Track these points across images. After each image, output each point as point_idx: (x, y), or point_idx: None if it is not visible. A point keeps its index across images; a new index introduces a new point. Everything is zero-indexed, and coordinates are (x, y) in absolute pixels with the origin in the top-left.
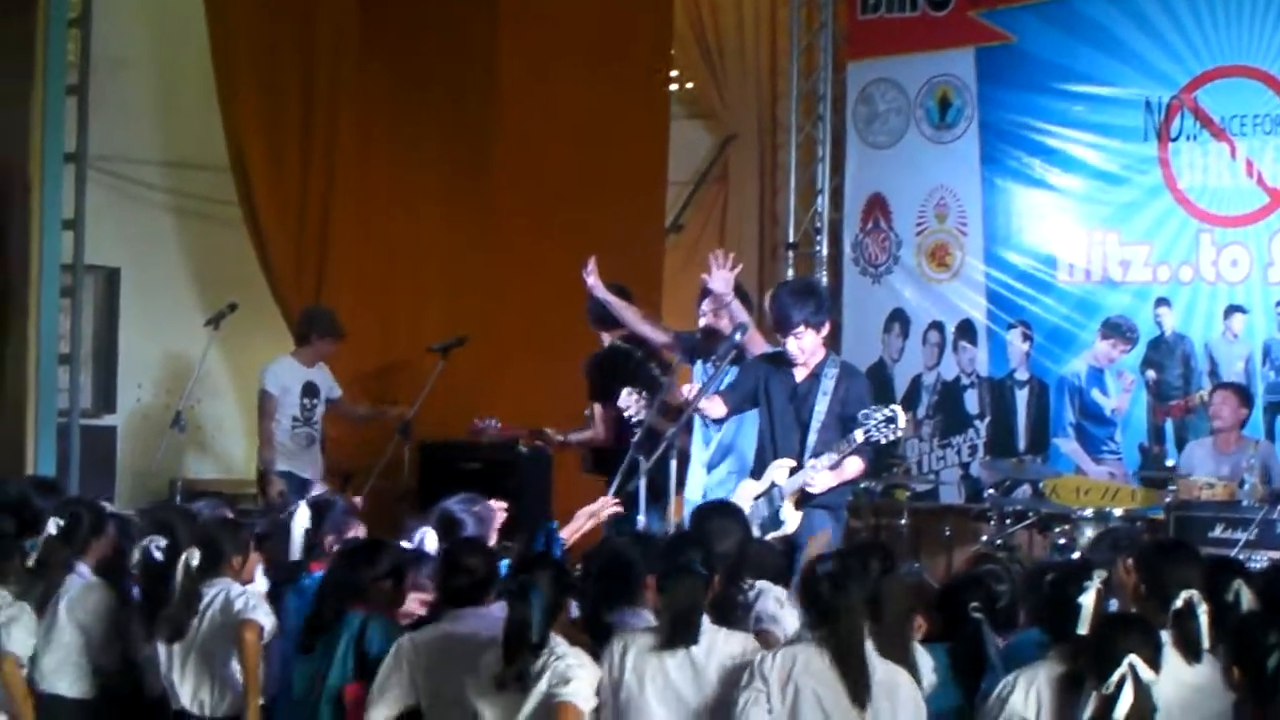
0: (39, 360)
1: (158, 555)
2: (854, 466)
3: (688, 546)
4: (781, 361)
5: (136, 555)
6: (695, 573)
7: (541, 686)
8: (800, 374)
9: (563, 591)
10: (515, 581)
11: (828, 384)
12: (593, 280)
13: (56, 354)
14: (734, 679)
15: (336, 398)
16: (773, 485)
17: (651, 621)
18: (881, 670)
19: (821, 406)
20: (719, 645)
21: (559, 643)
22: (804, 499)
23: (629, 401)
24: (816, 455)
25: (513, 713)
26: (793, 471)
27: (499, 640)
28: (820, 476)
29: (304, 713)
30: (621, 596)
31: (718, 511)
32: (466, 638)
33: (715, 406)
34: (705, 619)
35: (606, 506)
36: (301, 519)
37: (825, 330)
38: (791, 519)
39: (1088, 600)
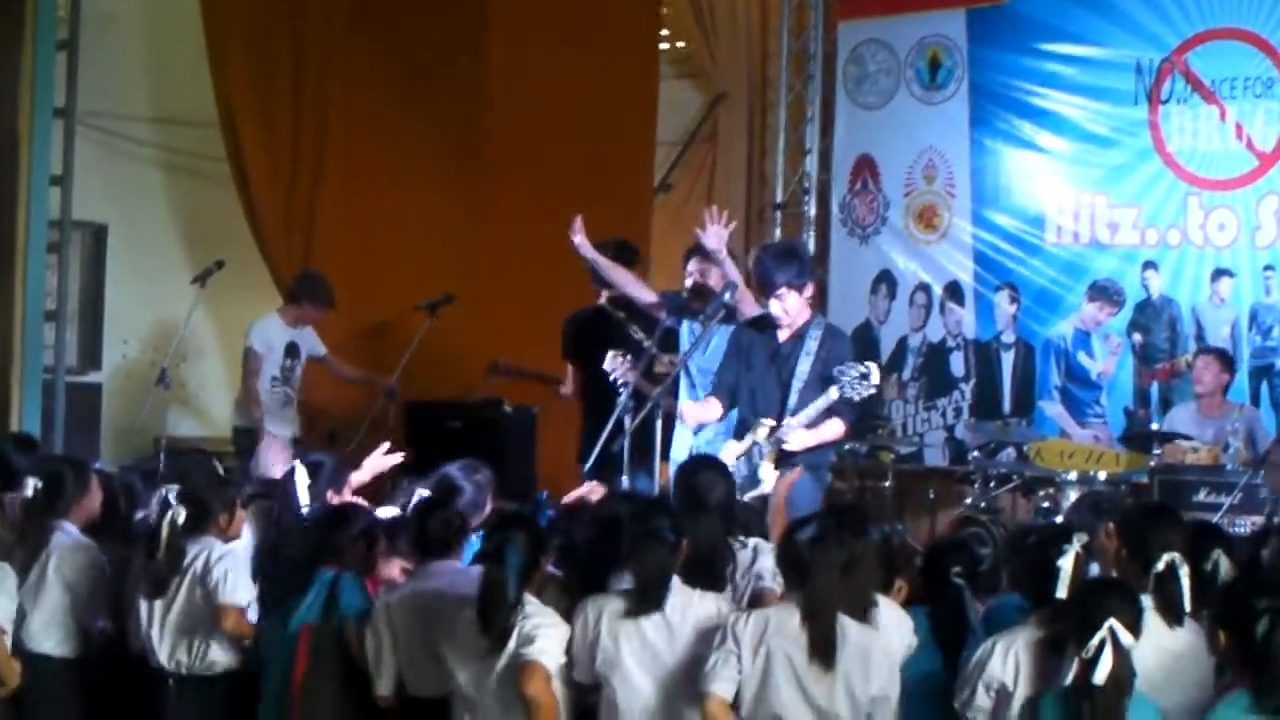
0: (25, 316)
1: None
2: (834, 428)
3: (656, 513)
4: (765, 324)
5: (154, 503)
6: (663, 538)
7: (510, 645)
8: (784, 335)
9: (538, 552)
10: (491, 542)
11: (811, 344)
12: (579, 239)
13: (43, 310)
14: (707, 640)
15: (320, 355)
16: (753, 444)
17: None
18: (855, 632)
19: (804, 367)
20: (693, 606)
21: (530, 601)
22: (784, 458)
23: (613, 364)
24: (795, 414)
25: (487, 673)
26: (773, 431)
27: (471, 598)
28: (796, 434)
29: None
30: (612, 560)
31: (703, 466)
32: (438, 594)
33: (712, 409)
34: (676, 581)
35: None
36: (302, 478)
37: (808, 292)
38: (769, 478)
39: (1066, 564)
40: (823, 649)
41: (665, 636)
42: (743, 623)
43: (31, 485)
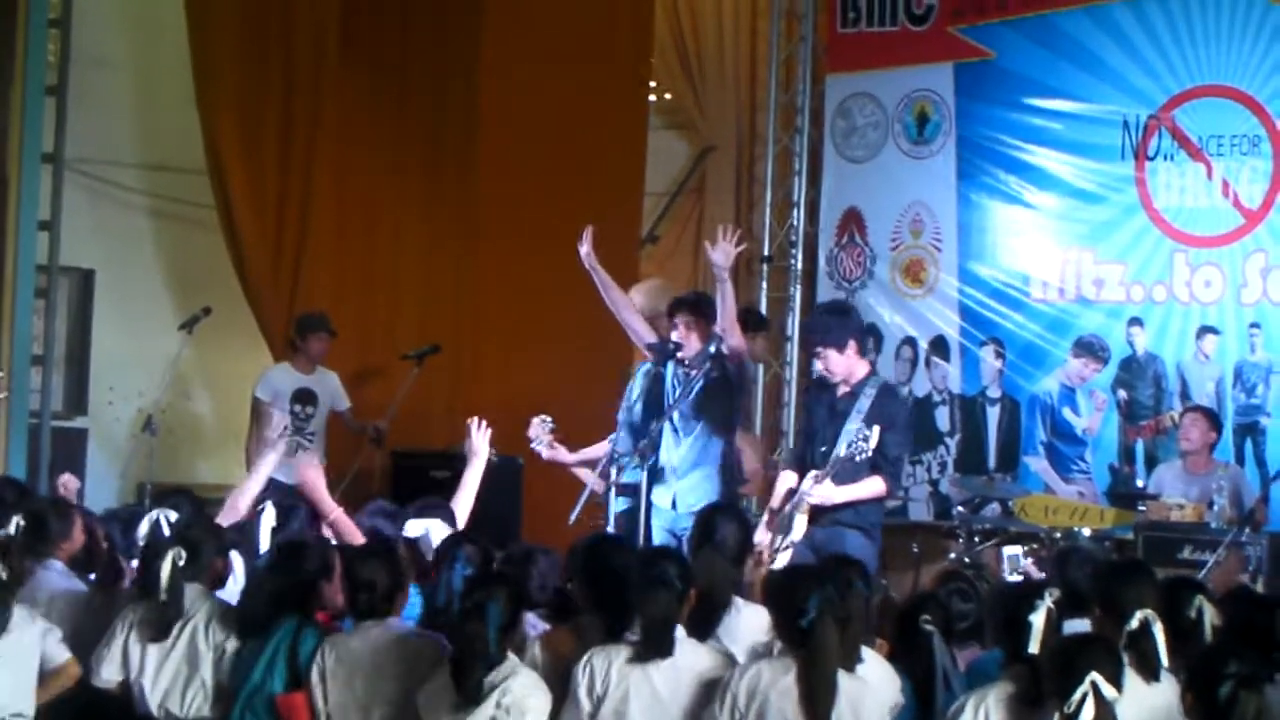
0: (12, 361)
1: (165, 530)
2: (873, 485)
3: (663, 559)
4: (827, 380)
5: (144, 527)
6: (669, 585)
7: (489, 709)
8: (841, 391)
9: (518, 608)
10: (470, 599)
11: (864, 402)
12: (585, 250)
13: (30, 355)
14: (706, 694)
15: (343, 409)
16: (800, 495)
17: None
18: (846, 685)
19: (852, 425)
20: (690, 659)
21: (512, 662)
22: (823, 514)
23: (538, 431)
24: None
25: None
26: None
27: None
28: (819, 489)
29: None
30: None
31: (721, 512)
32: (376, 648)
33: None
34: (680, 631)
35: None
36: (268, 519)
37: (850, 348)
38: (799, 528)
39: (1037, 619)
40: (819, 709)
41: (672, 686)
42: (738, 677)
43: (15, 523)
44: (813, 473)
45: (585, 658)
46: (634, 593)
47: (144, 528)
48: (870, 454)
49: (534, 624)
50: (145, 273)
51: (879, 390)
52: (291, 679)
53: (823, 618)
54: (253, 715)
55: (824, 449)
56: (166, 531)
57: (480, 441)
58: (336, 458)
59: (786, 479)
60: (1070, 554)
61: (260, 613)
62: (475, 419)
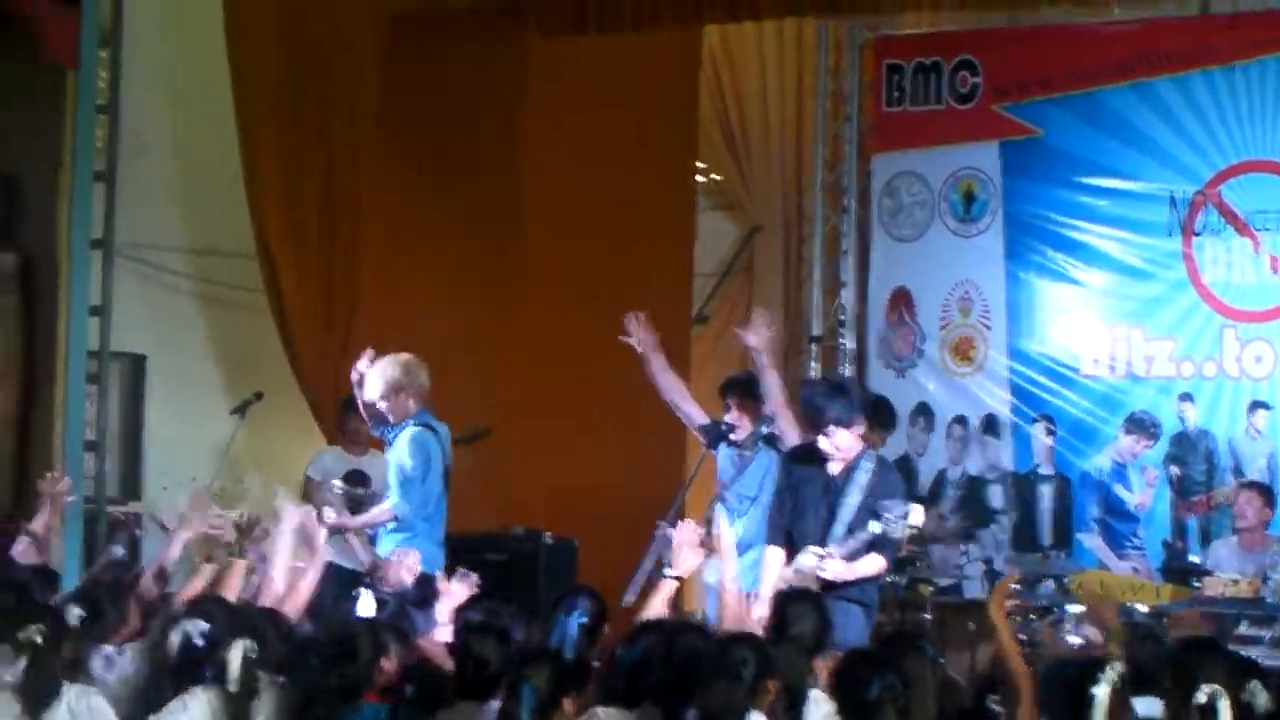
0: (65, 446)
1: (199, 642)
2: (874, 563)
3: (740, 646)
4: (815, 454)
5: (176, 639)
6: (738, 678)
7: None
8: (836, 467)
9: (561, 687)
10: (509, 677)
11: (862, 477)
12: (640, 335)
13: (83, 440)
14: None
15: None
16: (796, 571)
17: None
18: None
19: (853, 500)
20: None
21: None
22: (825, 589)
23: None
24: (839, 546)
25: None
26: (819, 560)
27: None
28: (833, 564)
29: None
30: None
31: (797, 599)
32: None
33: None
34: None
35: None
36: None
37: (859, 428)
38: None
39: (1101, 693)
40: None
41: None
42: None
43: (75, 614)
44: (812, 549)
45: None
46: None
47: (175, 639)
48: (911, 532)
49: None
50: (196, 357)
51: (877, 465)
52: None
53: (884, 705)
54: None
55: (817, 525)
56: (199, 643)
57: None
58: None
59: (776, 555)
60: (1135, 629)
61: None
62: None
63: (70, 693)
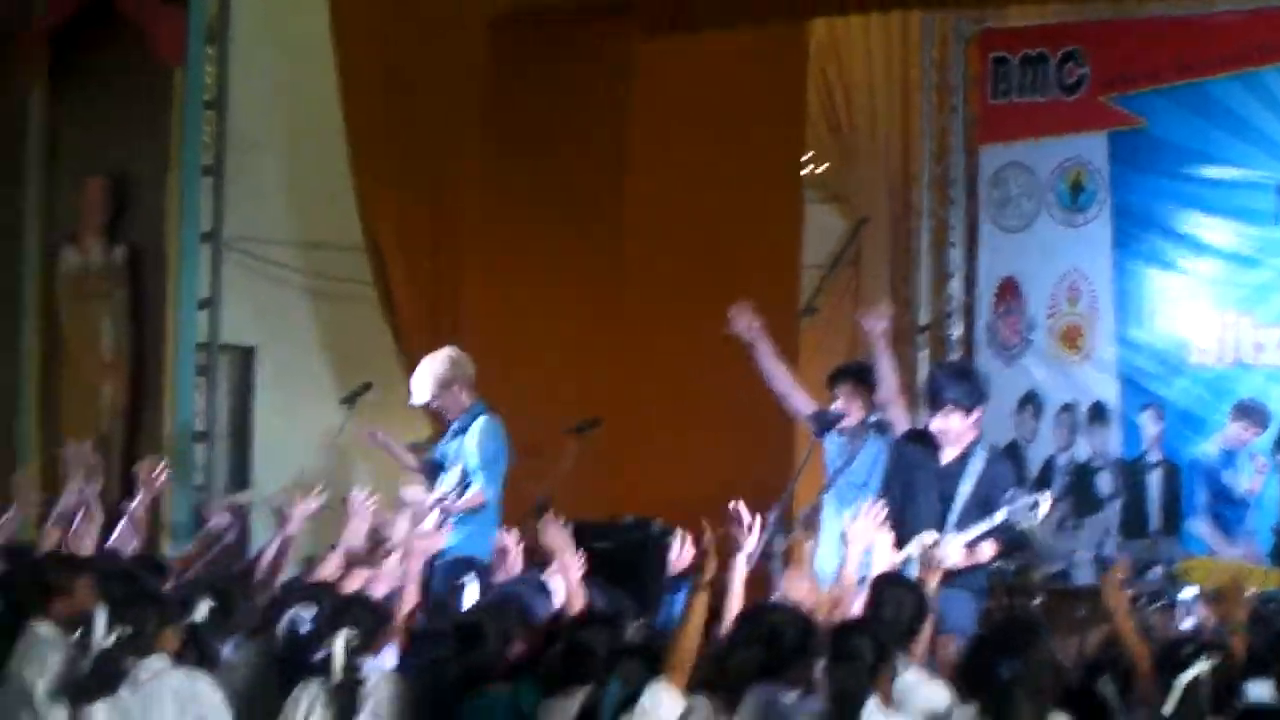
0: (174, 438)
1: (305, 628)
2: (989, 550)
3: (858, 631)
4: (927, 440)
5: (283, 625)
6: (861, 660)
7: None
8: (949, 454)
9: (643, 682)
10: (601, 666)
11: (975, 465)
12: (744, 323)
13: (192, 432)
14: None
15: None
16: (908, 558)
17: (797, 703)
18: None
19: (966, 488)
20: None
21: None
22: (944, 578)
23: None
24: (957, 533)
25: None
26: (934, 545)
27: None
28: (954, 550)
29: None
30: (777, 672)
31: (895, 581)
32: None
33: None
34: (872, 703)
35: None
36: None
37: (976, 415)
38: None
39: (1180, 682)
40: None
41: None
42: None
43: (205, 607)
44: (929, 533)
45: None
46: (827, 665)
47: (282, 624)
48: (1038, 523)
49: None
50: (305, 349)
51: (990, 454)
52: None
53: (1016, 686)
54: None
55: (929, 511)
56: (305, 629)
57: (555, 534)
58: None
59: (884, 541)
60: (1255, 613)
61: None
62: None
63: (175, 677)
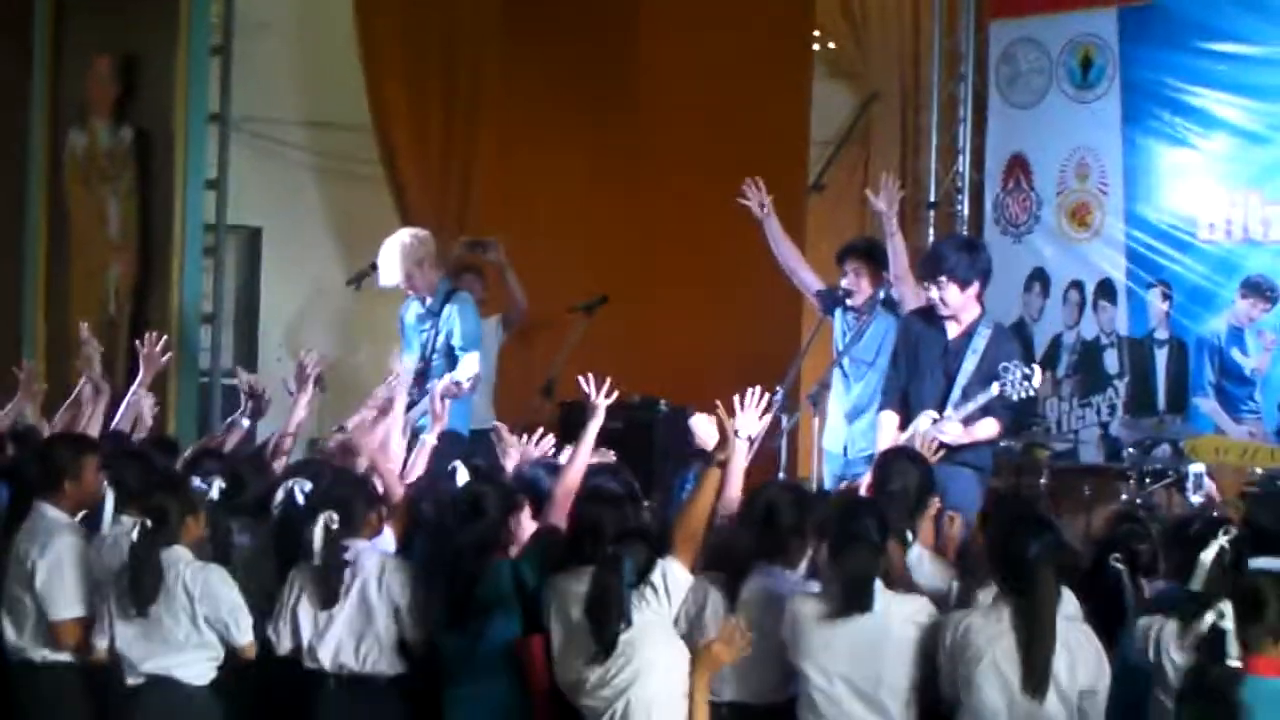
0: (181, 319)
1: (300, 499)
2: (989, 427)
3: (862, 513)
4: (934, 316)
5: (280, 496)
6: (869, 540)
7: (622, 670)
8: (953, 330)
9: (652, 561)
10: (610, 548)
11: (979, 342)
12: (758, 200)
13: (199, 313)
14: (917, 639)
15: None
16: (913, 435)
17: (798, 583)
18: (1065, 631)
19: (970, 364)
20: (894, 609)
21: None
22: (946, 454)
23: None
24: (956, 410)
25: (597, 680)
26: (933, 424)
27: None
28: (952, 428)
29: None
30: (774, 553)
31: (901, 455)
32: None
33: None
34: (879, 584)
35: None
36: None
37: (973, 289)
38: None
39: (1206, 557)
40: (1037, 658)
41: (873, 638)
42: (948, 628)
43: (216, 488)
44: (930, 412)
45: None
46: (831, 548)
47: (279, 497)
48: (1031, 394)
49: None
50: (312, 230)
51: (995, 331)
52: (526, 620)
53: (1042, 565)
54: (475, 664)
55: (934, 389)
56: (300, 501)
57: (598, 399)
58: (504, 409)
59: (889, 419)
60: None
61: (457, 562)
62: (587, 375)
63: (187, 570)
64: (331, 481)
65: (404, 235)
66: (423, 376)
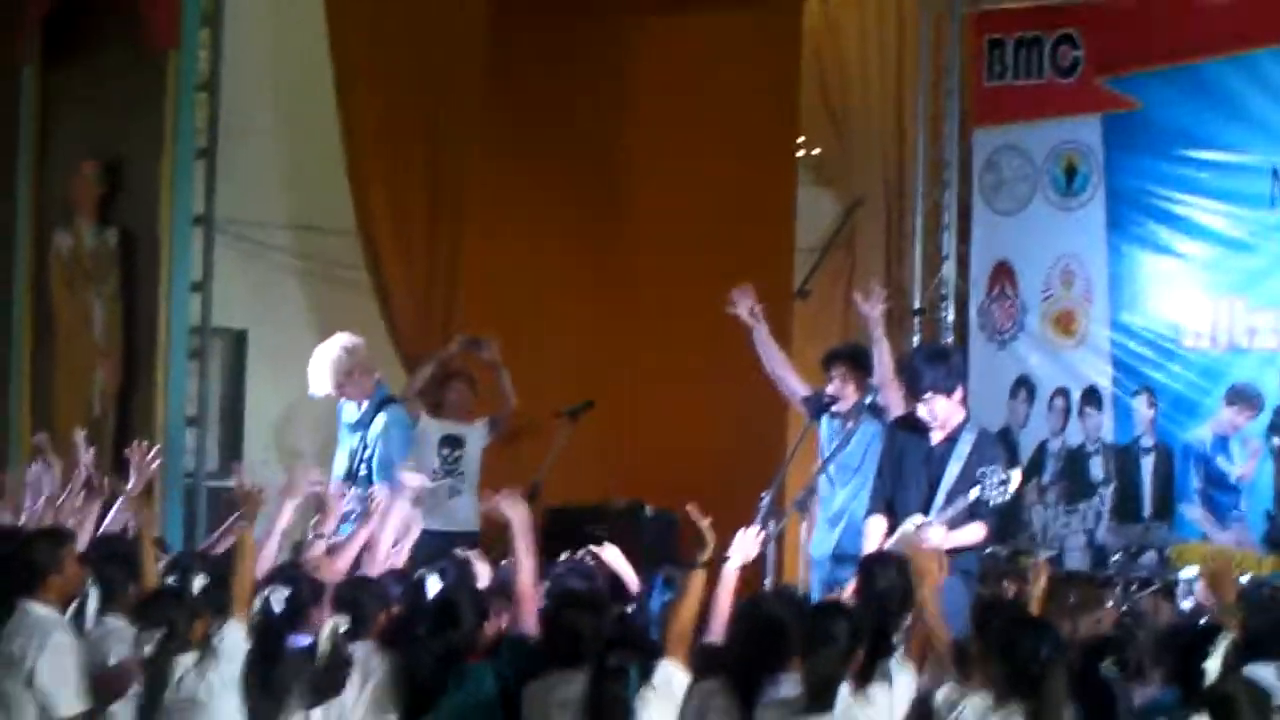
0: (166, 422)
1: (276, 608)
2: (974, 531)
3: (833, 614)
4: (918, 423)
5: (256, 604)
6: (837, 645)
7: None
8: (936, 437)
9: (652, 671)
10: (615, 656)
11: (963, 448)
12: (746, 305)
13: (184, 416)
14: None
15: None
16: (898, 539)
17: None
18: None
19: (954, 469)
20: (854, 712)
21: None
22: None
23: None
24: (940, 515)
25: None
26: (918, 529)
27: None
28: (936, 532)
29: None
30: (771, 661)
31: (884, 563)
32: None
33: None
34: (845, 687)
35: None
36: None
37: (958, 395)
38: None
39: (1213, 665)
40: None
41: None
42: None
43: (199, 584)
44: (916, 517)
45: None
46: (802, 648)
47: (256, 605)
48: (1009, 498)
49: None
50: (297, 332)
51: (979, 436)
52: None
53: (1055, 666)
54: None
55: (918, 495)
56: (277, 609)
57: (509, 506)
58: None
59: (877, 525)
60: (1251, 596)
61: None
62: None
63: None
64: (343, 583)
65: (334, 348)
66: (351, 480)
